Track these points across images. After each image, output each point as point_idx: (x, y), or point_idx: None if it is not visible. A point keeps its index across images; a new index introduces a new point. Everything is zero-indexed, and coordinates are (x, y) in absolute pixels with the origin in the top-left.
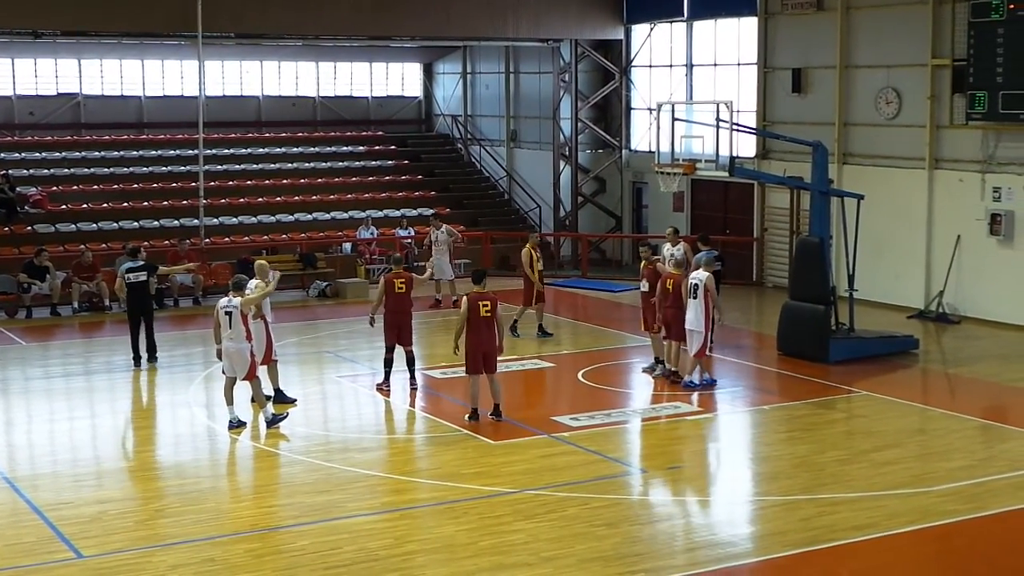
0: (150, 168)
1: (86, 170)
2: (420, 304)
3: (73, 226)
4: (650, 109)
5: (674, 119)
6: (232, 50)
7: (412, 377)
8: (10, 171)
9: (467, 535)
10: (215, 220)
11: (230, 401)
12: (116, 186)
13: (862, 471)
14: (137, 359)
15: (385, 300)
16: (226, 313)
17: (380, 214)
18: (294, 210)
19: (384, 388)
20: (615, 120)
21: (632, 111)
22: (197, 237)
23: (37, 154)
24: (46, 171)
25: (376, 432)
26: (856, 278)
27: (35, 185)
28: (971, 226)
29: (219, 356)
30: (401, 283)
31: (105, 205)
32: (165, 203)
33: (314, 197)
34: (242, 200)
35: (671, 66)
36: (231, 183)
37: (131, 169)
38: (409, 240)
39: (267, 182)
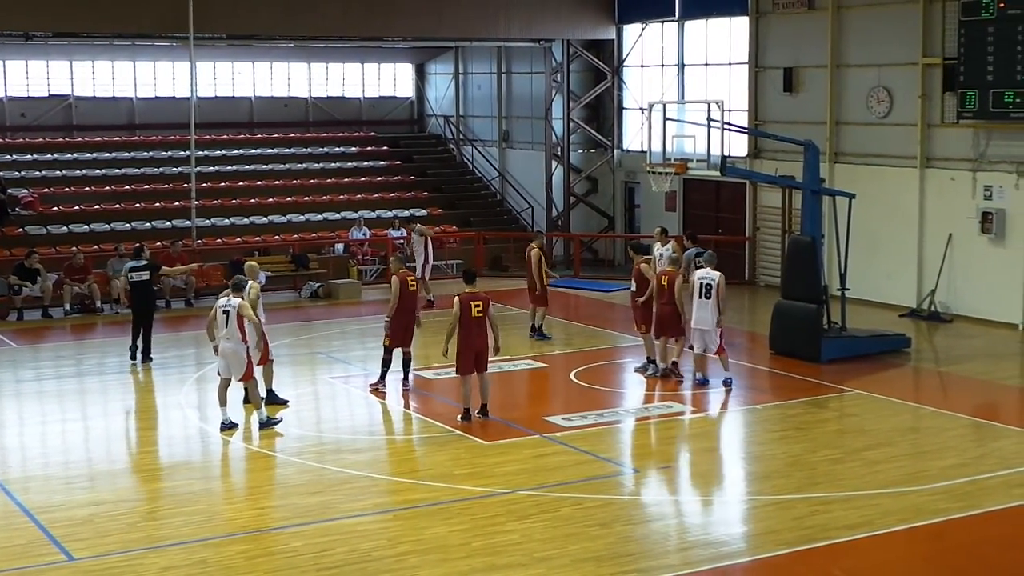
0: (142, 169)
1: (78, 172)
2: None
3: (65, 228)
4: (642, 109)
5: (666, 119)
6: (224, 51)
7: (406, 378)
8: (1, 173)
9: (460, 536)
10: (207, 221)
11: (223, 402)
12: (108, 187)
13: (855, 470)
14: (133, 352)
15: (399, 299)
16: (223, 312)
17: (372, 215)
18: (286, 211)
19: (381, 389)
20: (607, 120)
21: (624, 111)
22: (189, 238)
23: (28, 156)
24: (38, 173)
25: (369, 433)
26: (848, 277)
27: (27, 187)
28: (962, 224)
29: (216, 352)
30: (413, 281)
31: (97, 207)
32: (157, 204)
33: (306, 198)
34: (234, 201)
35: (663, 66)
36: (223, 184)
37: (123, 170)
38: (401, 241)
39: (259, 183)
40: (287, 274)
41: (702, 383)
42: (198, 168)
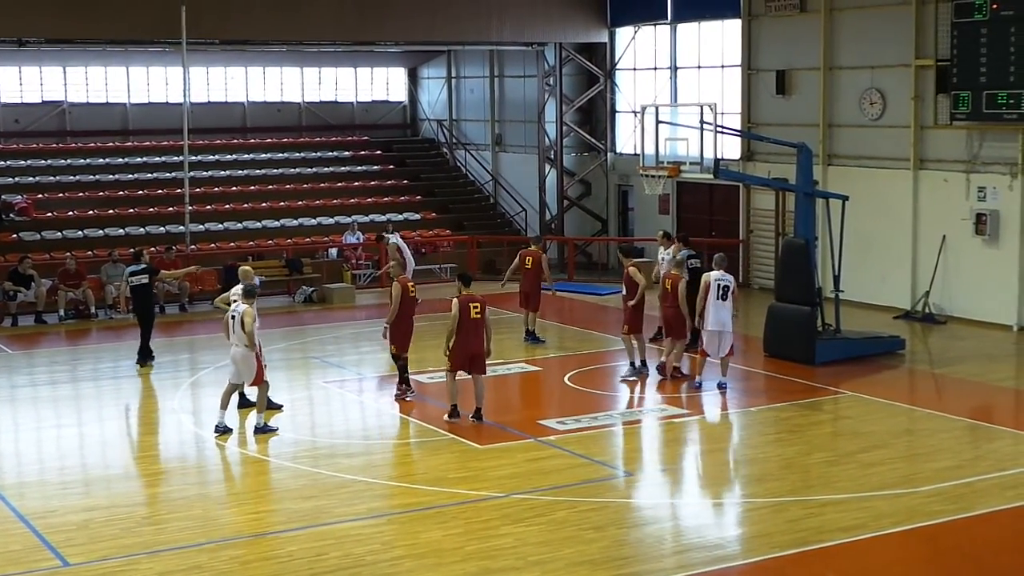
0: (136, 175)
1: (72, 177)
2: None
3: (59, 234)
4: (635, 112)
5: (658, 122)
6: (217, 56)
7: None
8: None
9: (454, 540)
10: (201, 226)
11: (224, 406)
12: (102, 193)
13: (849, 472)
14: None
15: (400, 306)
16: (231, 318)
17: (366, 219)
18: (280, 216)
19: (406, 398)
20: (600, 123)
21: (617, 114)
22: (183, 243)
23: (22, 162)
24: (31, 179)
25: (363, 437)
26: (842, 279)
27: (20, 193)
28: (956, 226)
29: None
30: (413, 287)
31: (91, 212)
32: (151, 210)
33: (300, 202)
34: (228, 206)
35: (655, 69)
36: (217, 189)
37: (117, 176)
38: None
39: (253, 188)
40: (281, 279)
41: (697, 387)
42: (192, 173)
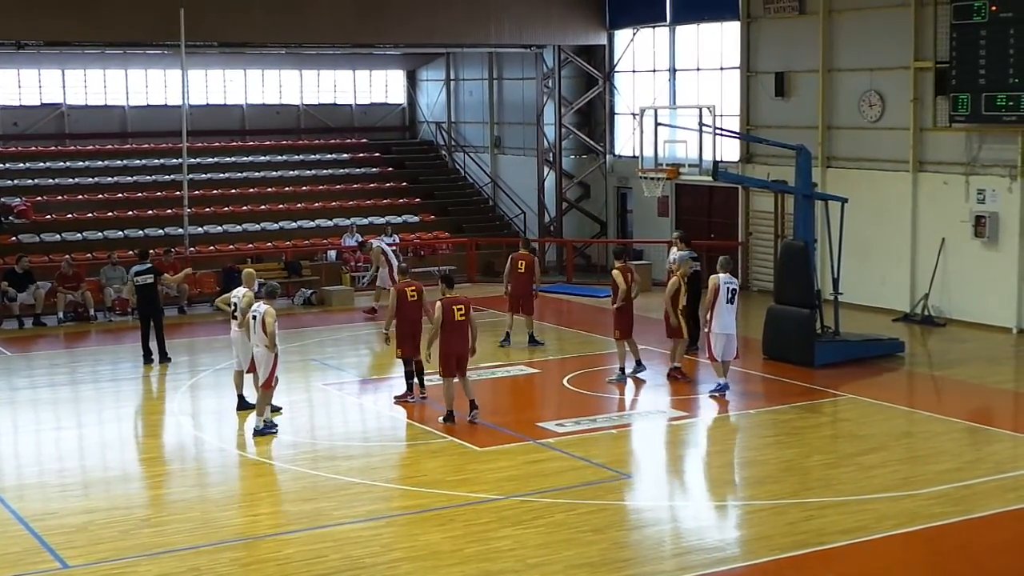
0: (134, 177)
1: (70, 180)
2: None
3: (58, 236)
4: (634, 114)
5: (657, 124)
6: (215, 59)
7: (422, 386)
8: None
9: (453, 542)
10: (200, 229)
11: (261, 410)
12: (101, 196)
13: (849, 475)
14: (147, 357)
15: (398, 311)
16: (252, 318)
17: (365, 221)
18: (279, 218)
19: (410, 400)
20: (599, 125)
21: (616, 116)
22: (182, 246)
23: (21, 164)
24: (30, 181)
25: (362, 440)
26: (841, 281)
27: (19, 195)
28: (956, 228)
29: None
30: (412, 291)
31: (90, 215)
32: (150, 212)
33: (299, 205)
34: (227, 209)
35: (654, 71)
36: (215, 192)
37: (115, 179)
38: (394, 248)
39: (251, 190)
40: (280, 281)
41: (722, 388)
42: (190, 176)
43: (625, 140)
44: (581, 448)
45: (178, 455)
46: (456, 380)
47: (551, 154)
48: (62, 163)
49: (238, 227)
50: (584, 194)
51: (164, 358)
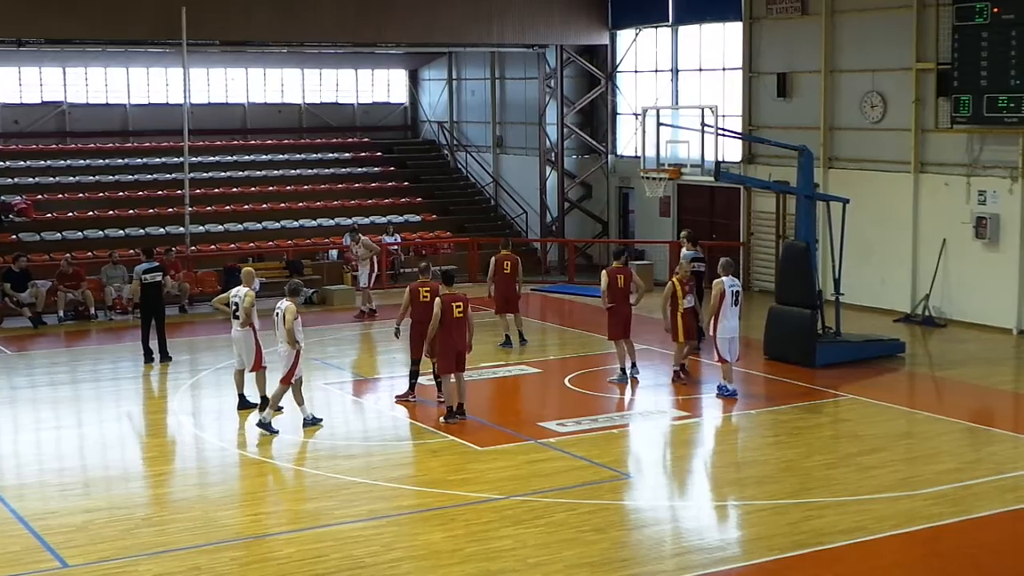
0: (135, 176)
1: (71, 178)
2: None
3: (59, 235)
4: (636, 114)
5: (659, 124)
6: (217, 57)
7: (439, 387)
8: None
9: (453, 542)
10: (201, 228)
11: (300, 402)
12: (102, 194)
13: (849, 475)
14: (148, 355)
15: (412, 311)
16: (276, 314)
17: (366, 221)
18: (280, 217)
19: (411, 399)
20: (601, 125)
21: (618, 116)
22: (183, 245)
23: (22, 163)
24: (31, 180)
25: (363, 439)
26: (842, 282)
27: (20, 194)
28: (957, 229)
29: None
30: (426, 292)
31: (91, 213)
32: (151, 211)
33: (300, 204)
34: (228, 207)
35: (656, 71)
36: (217, 190)
37: (116, 177)
38: (396, 247)
39: (253, 189)
40: (281, 280)
41: (733, 394)
42: (192, 174)
43: (627, 140)
44: (582, 448)
45: (179, 454)
46: (452, 379)
47: (553, 154)
48: (63, 161)
49: (239, 226)
50: (586, 194)
51: (165, 357)
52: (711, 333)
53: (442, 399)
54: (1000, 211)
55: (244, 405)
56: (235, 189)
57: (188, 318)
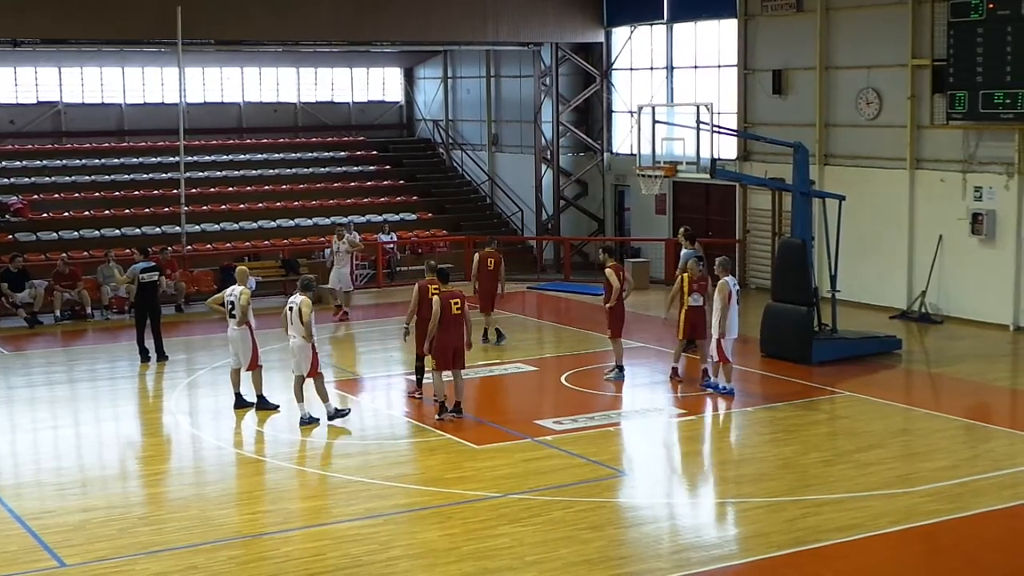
0: (131, 176)
1: (67, 178)
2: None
3: (55, 234)
4: (631, 112)
5: (655, 121)
6: (212, 56)
7: (419, 382)
8: None
9: (451, 540)
10: (197, 227)
11: (300, 399)
12: (97, 194)
13: (846, 472)
14: (144, 354)
15: (420, 308)
16: (289, 309)
17: (362, 219)
18: (276, 216)
19: (418, 395)
20: (596, 123)
21: (613, 114)
22: (179, 244)
23: (18, 162)
24: (27, 179)
25: (360, 437)
26: (838, 279)
27: (16, 193)
28: (953, 226)
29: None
30: (435, 289)
31: (87, 213)
32: (147, 210)
33: (296, 203)
34: (224, 207)
35: (652, 69)
36: (212, 190)
37: (112, 177)
38: (391, 245)
39: (249, 188)
40: (277, 279)
41: (730, 392)
42: (188, 174)
43: (623, 138)
44: (579, 446)
45: (176, 453)
46: (449, 377)
47: (549, 152)
48: (59, 161)
49: (235, 225)
50: (582, 192)
51: (161, 356)
52: (717, 334)
53: (417, 393)
54: (996, 207)
55: (240, 404)
56: (231, 188)
57: (184, 317)
